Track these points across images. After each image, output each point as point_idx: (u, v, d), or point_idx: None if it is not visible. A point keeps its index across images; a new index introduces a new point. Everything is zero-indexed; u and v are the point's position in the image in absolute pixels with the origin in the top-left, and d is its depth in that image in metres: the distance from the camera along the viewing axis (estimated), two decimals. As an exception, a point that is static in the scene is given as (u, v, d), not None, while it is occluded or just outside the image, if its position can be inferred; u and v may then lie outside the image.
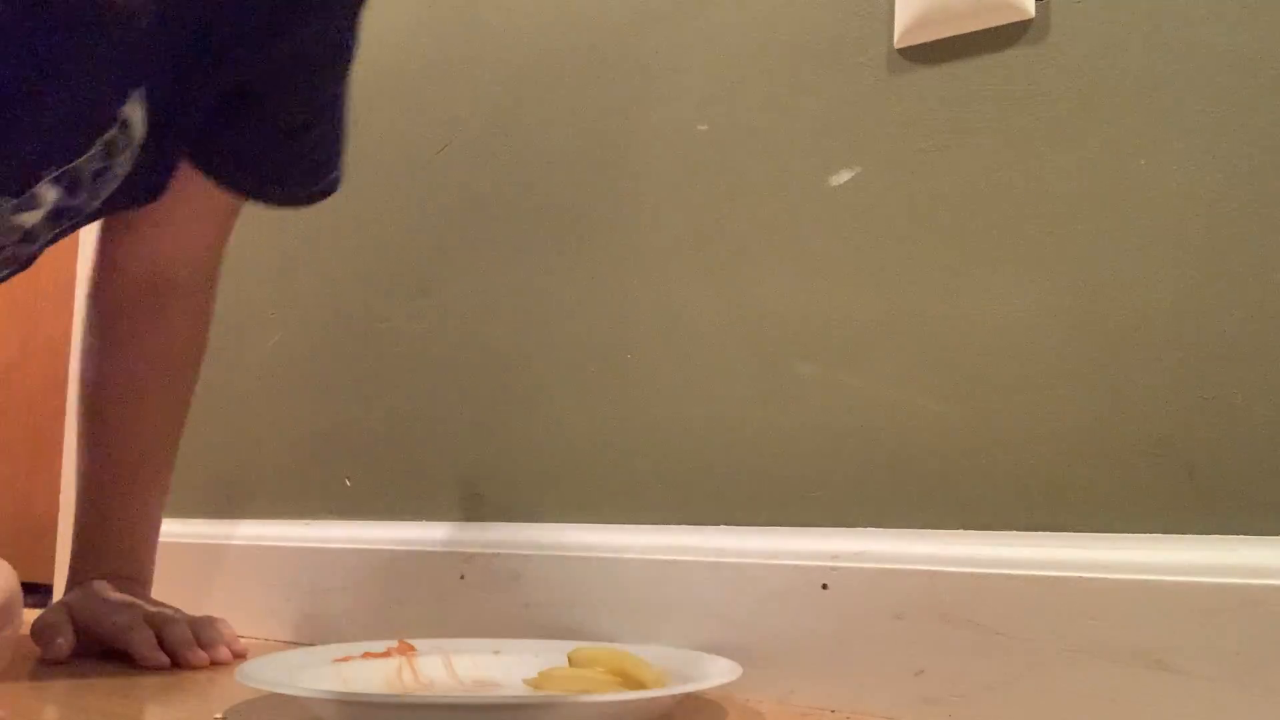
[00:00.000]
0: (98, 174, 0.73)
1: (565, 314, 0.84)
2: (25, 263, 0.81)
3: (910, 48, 0.68)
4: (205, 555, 1.05)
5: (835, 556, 0.65)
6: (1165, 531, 0.57)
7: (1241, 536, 0.55)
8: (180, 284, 0.91)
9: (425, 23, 0.97)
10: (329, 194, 0.90)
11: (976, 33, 0.66)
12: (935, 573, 0.61)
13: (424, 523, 0.90)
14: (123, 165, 0.75)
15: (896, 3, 0.68)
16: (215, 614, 0.88)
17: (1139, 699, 0.55)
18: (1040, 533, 0.60)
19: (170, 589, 0.98)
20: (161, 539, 0.94)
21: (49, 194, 0.71)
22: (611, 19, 0.83)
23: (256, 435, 1.07)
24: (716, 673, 0.60)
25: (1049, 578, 0.58)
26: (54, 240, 0.80)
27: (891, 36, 0.69)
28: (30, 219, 0.72)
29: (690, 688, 0.57)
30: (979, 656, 0.59)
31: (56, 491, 1.34)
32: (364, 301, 0.99)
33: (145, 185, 0.80)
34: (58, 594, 1.18)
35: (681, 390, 0.76)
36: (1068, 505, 0.60)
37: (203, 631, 0.82)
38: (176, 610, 0.86)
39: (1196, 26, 0.59)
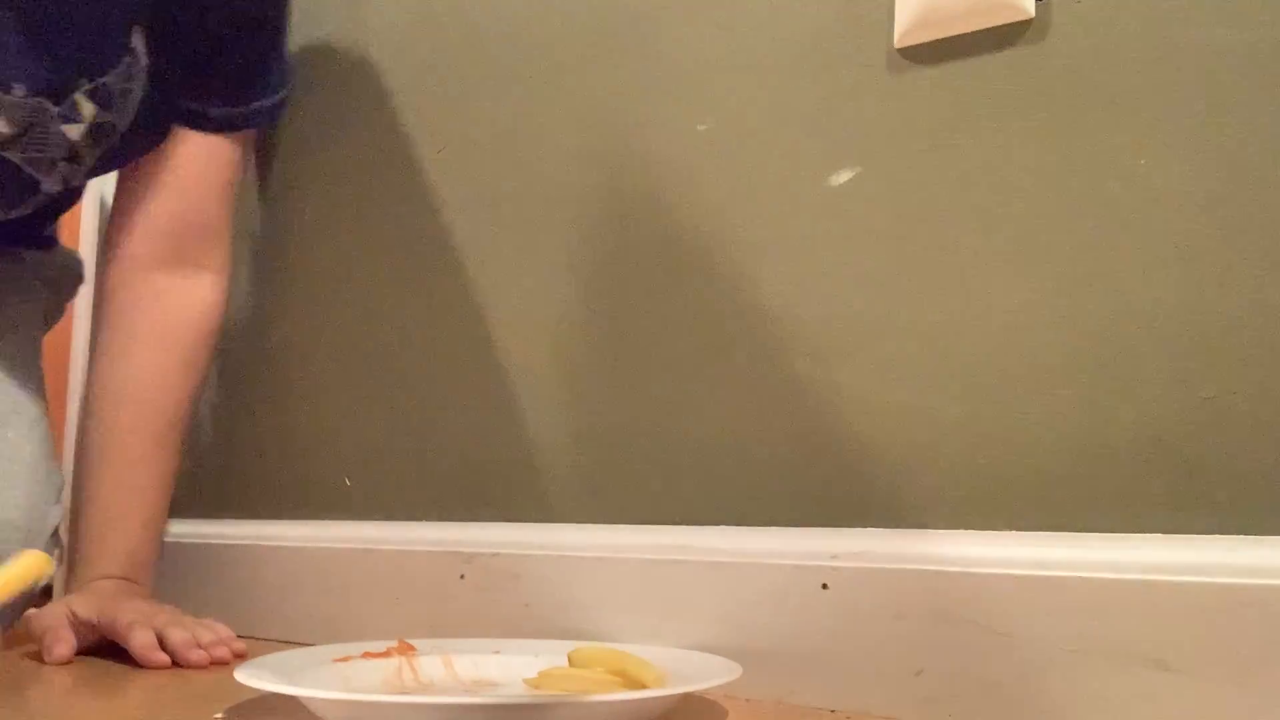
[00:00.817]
0: (124, 93, 0.88)
1: (565, 313, 0.84)
2: (71, 197, 0.99)
3: (910, 48, 0.68)
4: (205, 555, 1.05)
5: (835, 556, 0.65)
6: (1165, 531, 0.57)
7: (1241, 536, 0.55)
8: (188, 253, 0.96)
9: (424, 23, 0.97)
10: (273, 117, 1.00)
11: (976, 33, 0.66)
12: (935, 573, 0.61)
13: (424, 523, 0.90)
14: (140, 88, 0.89)
15: (896, 3, 0.68)
16: (215, 614, 0.88)
17: (1139, 699, 0.55)
18: (1040, 533, 0.60)
19: (170, 589, 0.98)
20: (161, 539, 0.94)
21: (87, 107, 0.85)
22: (610, 18, 0.83)
23: (257, 435, 1.07)
24: (716, 673, 0.60)
25: (1049, 578, 0.58)
26: (95, 171, 0.94)
27: (891, 36, 0.69)
28: (74, 131, 0.86)
29: (690, 688, 0.57)
30: (979, 656, 0.59)
31: (56, 491, 1.34)
32: (364, 301, 0.99)
33: (153, 126, 0.93)
34: (58, 594, 1.18)
35: (681, 390, 0.76)
36: (1068, 505, 0.60)
37: (202, 633, 0.82)
38: (176, 611, 0.86)
39: (1196, 26, 0.59)
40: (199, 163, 0.95)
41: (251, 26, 0.94)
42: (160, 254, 0.95)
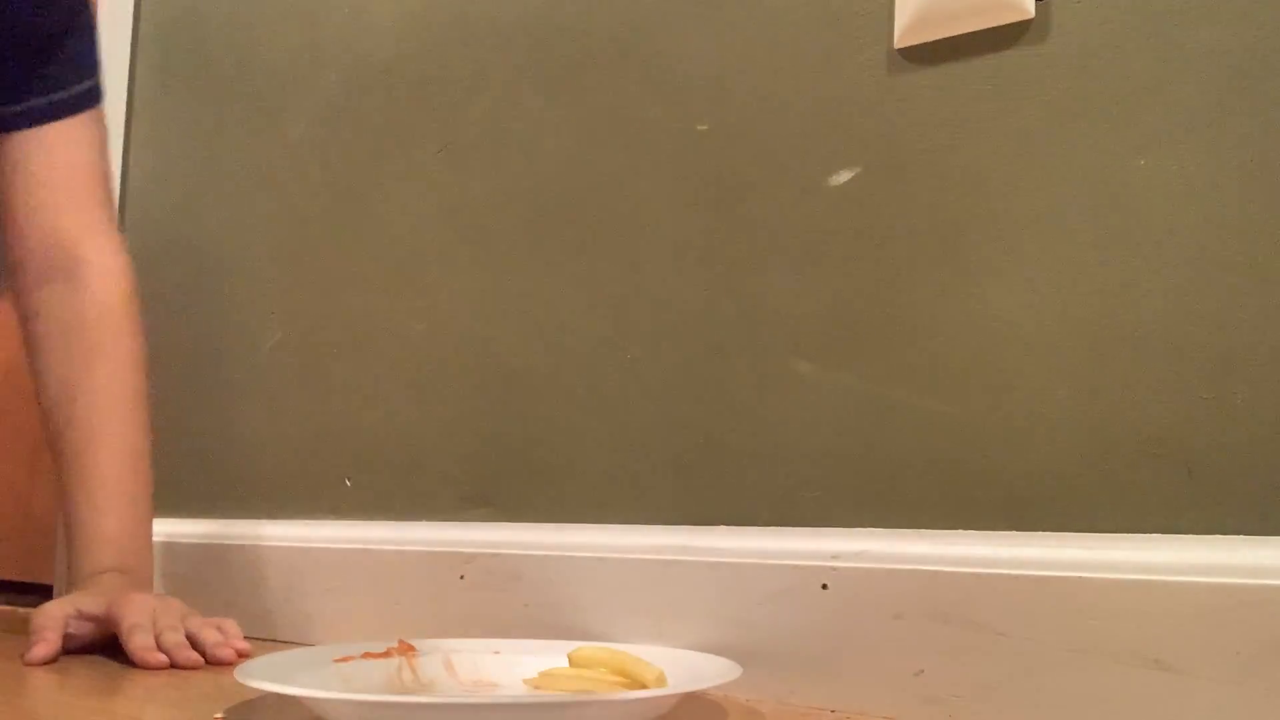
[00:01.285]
0: None
1: (565, 314, 0.84)
2: None
3: (910, 48, 0.68)
4: (205, 555, 1.05)
5: (835, 556, 0.65)
6: (1165, 531, 0.57)
7: (1241, 536, 0.55)
8: (44, 266, 0.93)
9: (423, 22, 0.97)
10: (90, 102, 0.94)
11: (976, 33, 0.66)
12: (935, 573, 0.61)
13: (424, 523, 0.90)
14: None
15: (896, 3, 0.68)
16: (216, 614, 0.88)
17: (1139, 699, 0.55)
18: (1040, 533, 0.60)
19: (170, 589, 0.98)
20: (162, 539, 0.94)
21: None
22: (610, 18, 0.83)
23: (256, 435, 1.07)
24: (716, 673, 0.60)
25: (1049, 578, 0.58)
26: None
27: (891, 36, 0.69)
28: None
29: (690, 688, 0.57)
30: (979, 656, 0.59)
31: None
32: (364, 301, 0.99)
33: None
34: (58, 595, 1.18)
35: (681, 390, 0.76)
36: (1068, 505, 0.60)
37: (209, 633, 0.82)
38: (182, 607, 0.85)
39: (1196, 26, 0.59)
40: (22, 173, 0.92)
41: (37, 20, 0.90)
42: (21, 279, 0.94)
